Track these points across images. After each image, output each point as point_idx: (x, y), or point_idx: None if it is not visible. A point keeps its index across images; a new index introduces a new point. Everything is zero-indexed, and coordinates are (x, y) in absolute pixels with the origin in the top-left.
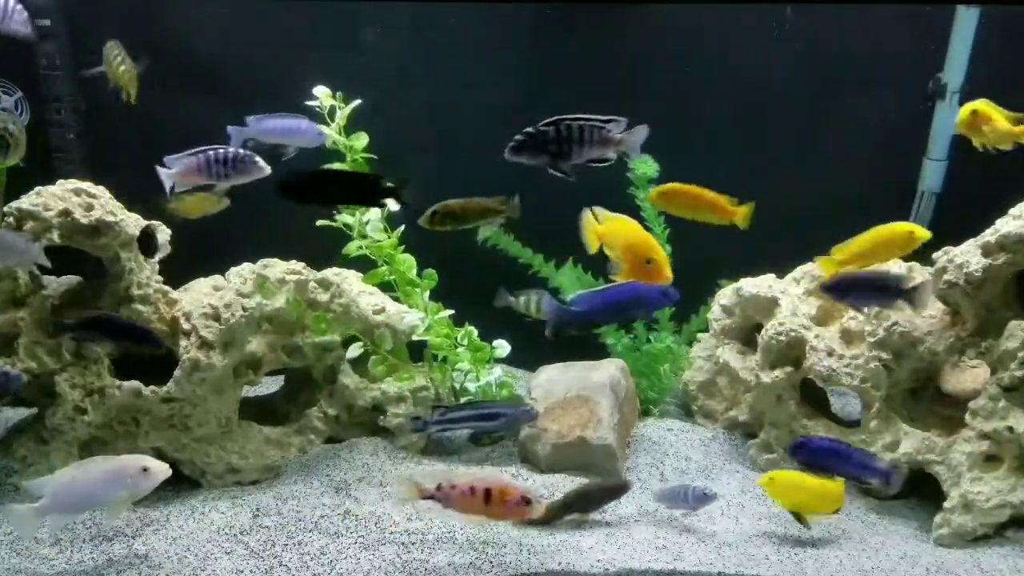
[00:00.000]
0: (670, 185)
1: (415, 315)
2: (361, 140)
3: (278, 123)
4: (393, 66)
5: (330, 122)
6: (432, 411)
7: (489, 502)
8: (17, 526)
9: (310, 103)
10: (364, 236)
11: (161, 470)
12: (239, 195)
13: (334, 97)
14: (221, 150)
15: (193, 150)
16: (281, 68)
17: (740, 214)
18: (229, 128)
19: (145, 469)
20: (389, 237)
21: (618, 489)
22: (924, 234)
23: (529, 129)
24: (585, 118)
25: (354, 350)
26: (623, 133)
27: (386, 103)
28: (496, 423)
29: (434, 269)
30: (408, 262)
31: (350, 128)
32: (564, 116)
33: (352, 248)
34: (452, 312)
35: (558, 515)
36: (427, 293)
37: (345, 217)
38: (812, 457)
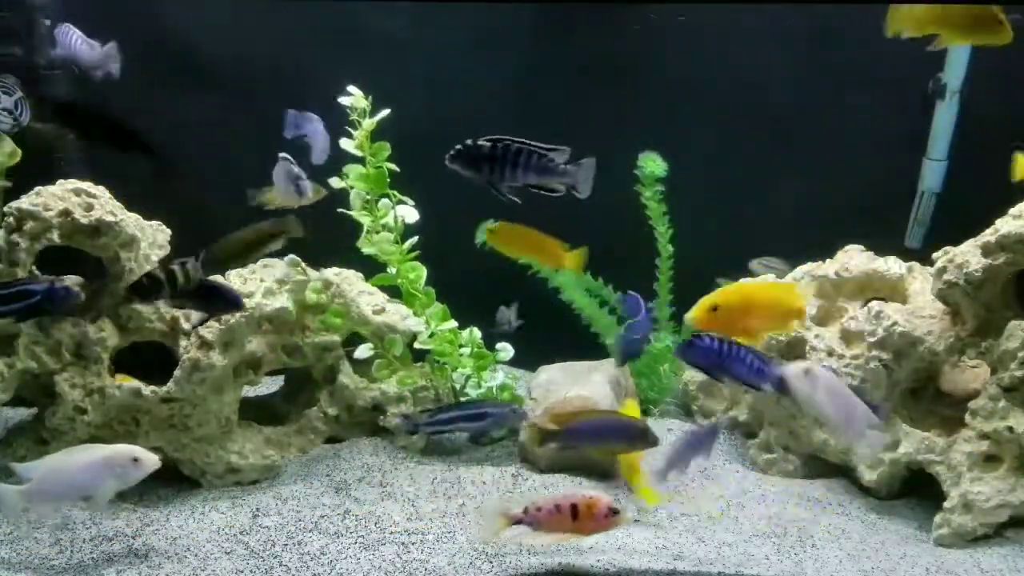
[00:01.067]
0: (503, 225)
1: (416, 320)
2: (384, 151)
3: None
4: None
5: (359, 125)
6: (421, 413)
7: (577, 517)
8: (1, 507)
9: (342, 100)
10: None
11: (151, 461)
12: (239, 195)
13: (366, 100)
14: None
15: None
16: (280, 67)
17: (570, 259)
18: (288, 111)
19: (135, 459)
20: (400, 246)
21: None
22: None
23: (468, 141)
24: (524, 142)
25: (363, 351)
26: (570, 165)
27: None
28: (483, 423)
29: (442, 267)
30: (417, 271)
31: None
32: (505, 136)
33: (365, 244)
34: (455, 325)
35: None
36: (428, 308)
37: (362, 217)
38: (702, 357)
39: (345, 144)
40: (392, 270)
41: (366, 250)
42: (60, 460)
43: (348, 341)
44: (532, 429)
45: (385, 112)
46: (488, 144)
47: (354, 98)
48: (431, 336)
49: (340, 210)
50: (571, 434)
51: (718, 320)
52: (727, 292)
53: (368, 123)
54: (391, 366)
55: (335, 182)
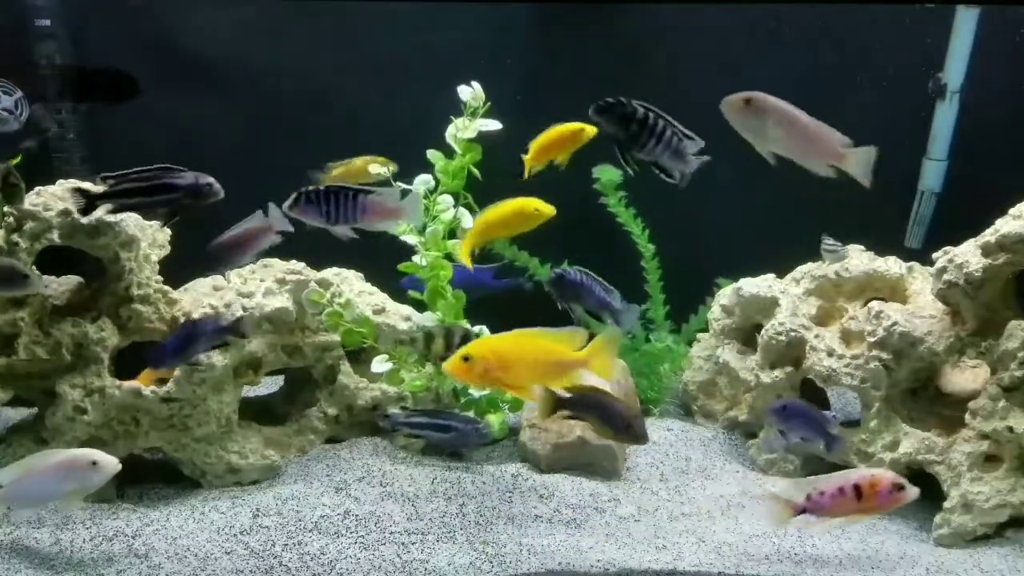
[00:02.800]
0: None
1: (427, 315)
2: (475, 152)
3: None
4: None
5: (467, 122)
6: (401, 411)
7: (861, 497)
8: None
9: (460, 91)
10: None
11: (110, 464)
12: (240, 195)
13: (482, 104)
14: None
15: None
16: (280, 66)
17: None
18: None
19: (94, 463)
20: (446, 242)
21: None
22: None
23: (622, 99)
24: (671, 120)
25: (378, 364)
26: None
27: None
28: (447, 436)
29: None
30: (447, 269)
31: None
32: (653, 107)
33: (408, 232)
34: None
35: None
36: (454, 312)
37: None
38: (564, 289)
39: (448, 132)
40: (422, 262)
41: (406, 237)
42: (27, 465)
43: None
44: (545, 398)
45: (497, 125)
46: (642, 109)
47: (473, 92)
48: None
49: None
50: (580, 402)
51: (474, 371)
52: (483, 343)
53: (476, 123)
54: (401, 372)
55: (374, 168)
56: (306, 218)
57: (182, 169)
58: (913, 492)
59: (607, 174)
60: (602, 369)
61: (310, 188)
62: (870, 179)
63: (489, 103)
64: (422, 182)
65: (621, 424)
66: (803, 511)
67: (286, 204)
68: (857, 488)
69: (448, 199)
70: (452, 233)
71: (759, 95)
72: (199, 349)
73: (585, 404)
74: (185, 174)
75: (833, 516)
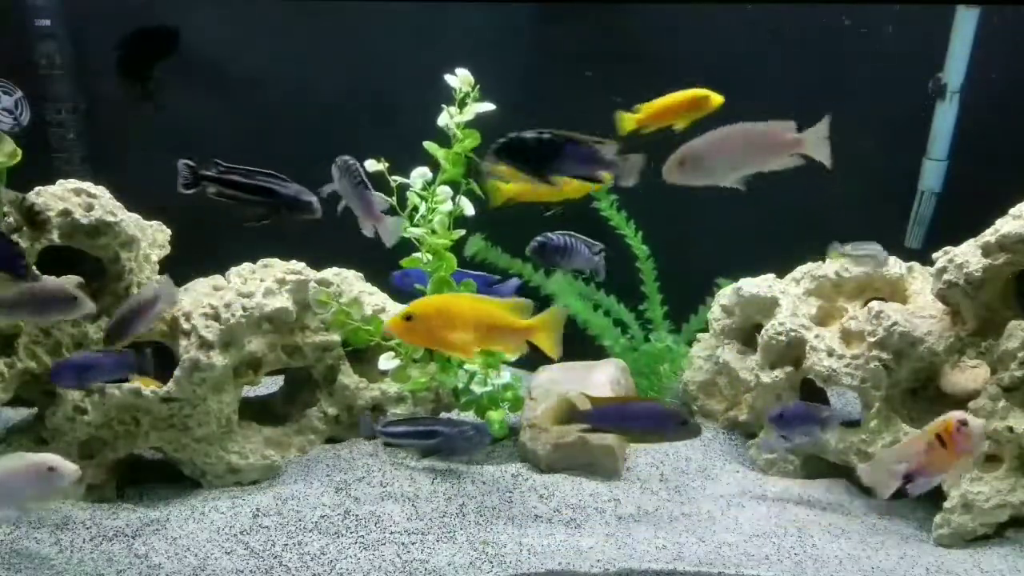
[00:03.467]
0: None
1: None
2: (474, 139)
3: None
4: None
5: (458, 109)
6: (378, 420)
7: (946, 445)
8: None
9: (448, 79)
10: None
11: (68, 470)
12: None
13: (472, 87)
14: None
15: None
16: (279, 65)
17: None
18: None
19: (51, 468)
20: (451, 233)
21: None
22: (717, 99)
23: (512, 134)
24: (570, 134)
25: (385, 361)
26: (617, 157)
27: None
28: (434, 442)
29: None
30: (452, 262)
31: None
32: (549, 130)
33: (413, 225)
34: None
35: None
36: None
37: (413, 197)
38: (544, 254)
39: (441, 120)
40: (426, 257)
41: (411, 231)
42: None
43: (348, 341)
44: (563, 403)
45: (490, 106)
46: (533, 138)
47: (460, 79)
48: None
49: (400, 181)
50: (600, 416)
51: (416, 331)
52: (426, 301)
53: (470, 108)
54: (408, 369)
55: (371, 164)
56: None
57: (288, 180)
58: (976, 424)
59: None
60: (547, 342)
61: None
62: (829, 155)
63: (478, 86)
64: (419, 175)
65: (675, 421)
66: (907, 479)
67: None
68: (940, 438)
69: (447, 189)
70: (457, 223)
71: (684, 149)
72: (97, 378)
73: (607, 415)
74: (290, 185)
75: (934, 473)
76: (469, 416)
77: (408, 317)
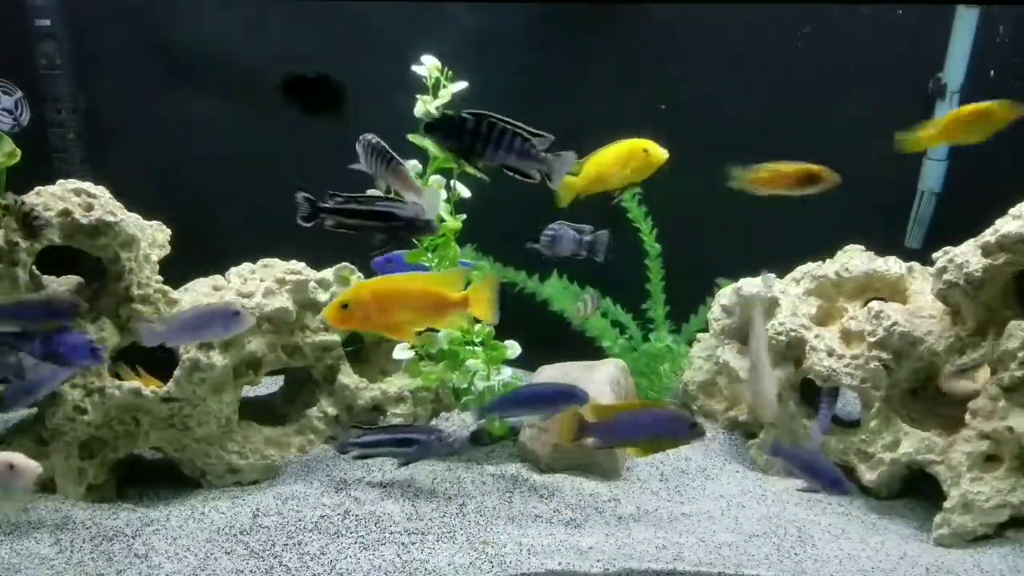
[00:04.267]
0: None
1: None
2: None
3: None
4: None
5: (433, 97)
6: (349, 432)
7: None
8: None
9: (416, 69)
10: None
11: (28, 468)
12: (240, 195)
13: (441, 72)
14: None
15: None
16: (279, 64)
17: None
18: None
19: (11, 467)
20: (455, 218)
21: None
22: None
23: (450, 112)
24: (508, 122)
25: (400, 351)
26: (549, 154)
27: None
28: (410, 450)
29: None
30: (455, 251)
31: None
32: (489, 114)
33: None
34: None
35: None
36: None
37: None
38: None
39: (418, 110)
40: (426, 256)
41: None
42: None
43: (348, 341)
44: (571, 417)
45: (462, 84)
46: (472, 119)
47: (428, 67)
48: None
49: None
50: (609, 430)
51: (354, 317)
52: (359, 287)
53: (444, 92)
54: (420, 362)
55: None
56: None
57: (403, 201)
58: None
59: None
60: (482, 310)
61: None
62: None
63: (450, 71)
64: (411, 167)
65: (685, 425)
66: None
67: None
68: None
69: (439, 178)
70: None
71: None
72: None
73: (617, 429)
74: (407, 207)
75: None
76: (469, 415)
77: (344, 305)
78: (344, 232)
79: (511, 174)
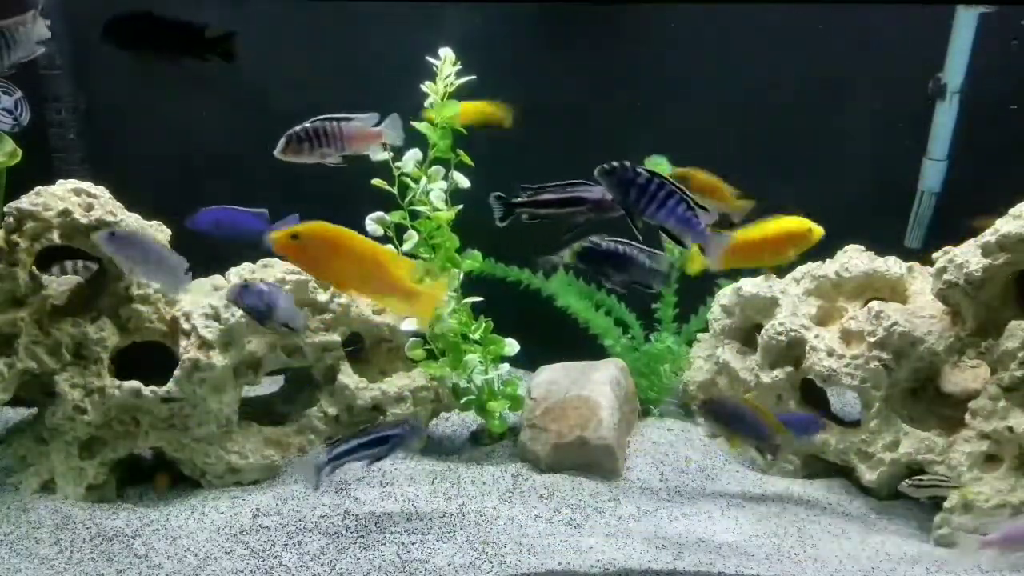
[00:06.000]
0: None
1: (412, 321)
2: (451, 108)
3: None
4: None
5: (439, 88)
6: (325, 447)
7: None
8: None
9: (431, 59)
10: (415, 204)
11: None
12: (240, 195)
13: (454, 65)
14: None
15: None
16: (278, 65)
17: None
18: None
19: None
20: (452, 207)
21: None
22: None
23: (296, 127)
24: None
25: (409, 323)
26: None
27: None
28: (387, 447)
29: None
30: (454, 241)
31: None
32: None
33: (396, 216)
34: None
35: None
36: (460, 276)
37: (409, 180)
38: (596, 262)
39: (428, 87)
40: (421, 248)
41: (396, 221)
42: None
43: (348, 341)
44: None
45: (470, 76)
46: (646, 175)
47: (443, 57)
48: (453, 311)
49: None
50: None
51: (299, 251)
52: (316, 225)
53: (446, 81)
54: (422, 347)
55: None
56: (298, 158)
57: (591, 184)
58: None
59: (660, 168)
60: (421, 310)
61: (297, 128)
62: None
63: (459, 64)
64: (411, 156)
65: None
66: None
67: (277, 149)
68: None
69: (438, 168)
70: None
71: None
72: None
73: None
74: (594, 188)
75: None
76: (469, 416)
77: (295, 236)
78: (539, 222)
79: (665, 237)
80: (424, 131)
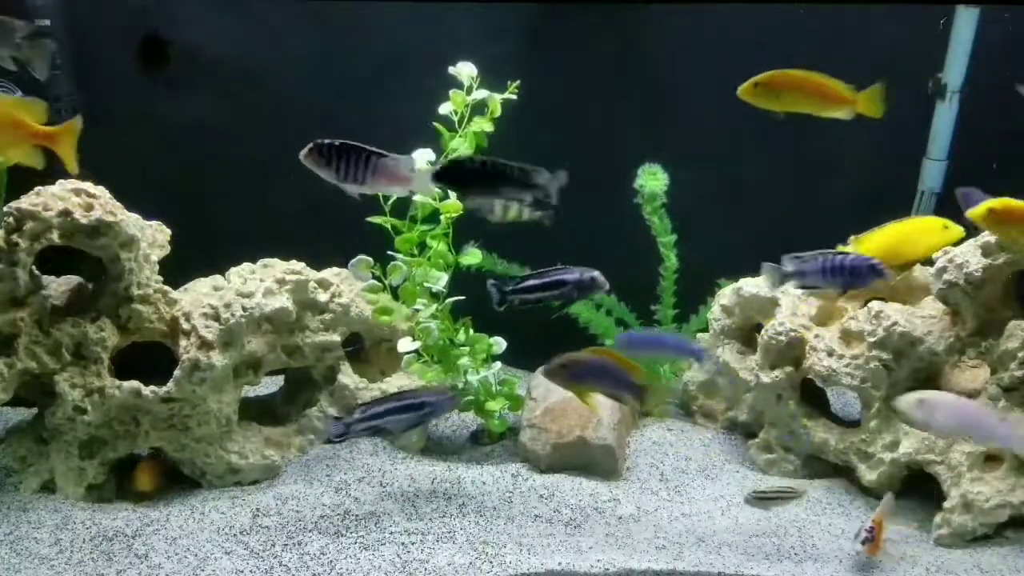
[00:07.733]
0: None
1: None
2: (483, 125)
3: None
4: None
5: (466, 96)
6: (354, 410)
7: None
8: None
9: (452, 70)
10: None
11: None
12: (240, 195)
13: (473, 80)
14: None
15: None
16: (278, 66)
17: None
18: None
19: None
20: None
21: None
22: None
23: (325, 140)
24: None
25: (405, 344)
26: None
27: None
28: (422, 412)
29: None
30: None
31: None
32: None
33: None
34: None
35: None
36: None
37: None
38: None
39: (444, 108)
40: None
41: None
42: None
43: (348, 341)
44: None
45: (502, 96)
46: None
47: (463, 70)
48: (433, 314)
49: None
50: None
51: None
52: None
53: (471, 96)
54: (421, 360)
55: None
56: (317, 169)
57: (569, 267)
58: None
59: (652, 181)
60: (65, 151)
61: (325, 141)
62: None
63: (480, 76)
64: (422, 156)
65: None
66: None
67: (302, 153)
68: None
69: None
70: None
71: None
72: None
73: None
74: (573, 269)
75: None
76: (469, 416)
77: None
78: (533, 306)
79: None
80: (446, 140)
